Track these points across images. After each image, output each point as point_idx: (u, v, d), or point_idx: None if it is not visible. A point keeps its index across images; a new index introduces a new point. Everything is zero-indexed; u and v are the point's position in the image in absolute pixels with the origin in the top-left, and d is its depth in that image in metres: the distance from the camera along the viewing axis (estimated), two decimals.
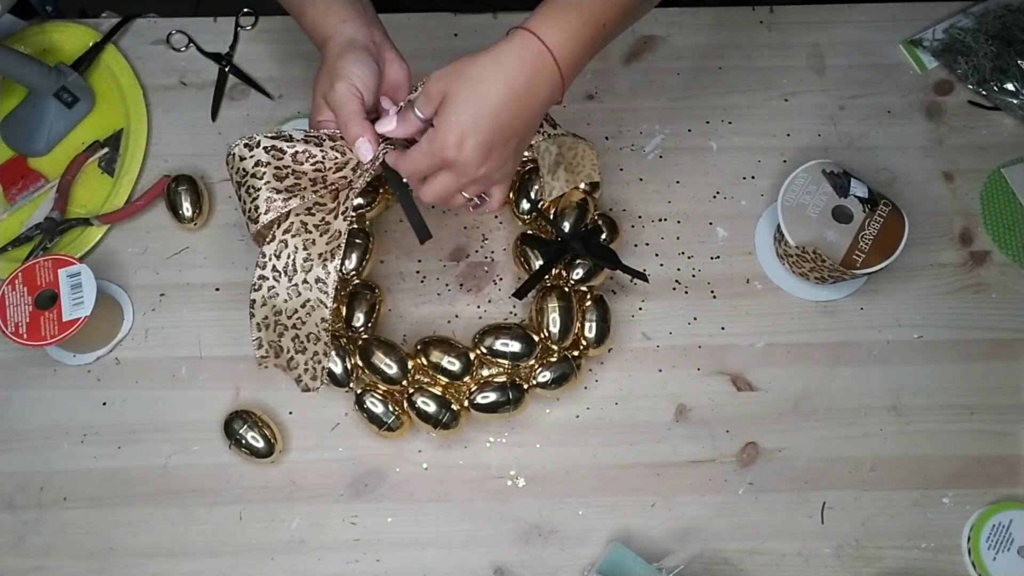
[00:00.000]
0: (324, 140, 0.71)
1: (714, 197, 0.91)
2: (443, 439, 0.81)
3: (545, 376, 0.79)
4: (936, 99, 0.96)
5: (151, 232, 0.88)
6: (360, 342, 0.79)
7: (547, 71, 0.64)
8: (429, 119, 0.66)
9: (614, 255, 0.82)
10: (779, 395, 0.84)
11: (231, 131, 0.92)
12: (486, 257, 0.88)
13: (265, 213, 0.68)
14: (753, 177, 0.92)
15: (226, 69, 0.95)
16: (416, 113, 0.66)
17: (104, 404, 0.83)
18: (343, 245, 0.70)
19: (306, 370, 0.74)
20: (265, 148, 0.70)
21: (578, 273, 0.81)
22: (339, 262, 0.70)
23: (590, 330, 0.80)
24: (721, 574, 0.79)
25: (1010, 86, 0.94)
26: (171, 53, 0.96)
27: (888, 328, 0.87)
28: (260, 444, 0.79)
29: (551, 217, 0.83)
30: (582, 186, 0.84)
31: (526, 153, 0.83)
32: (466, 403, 0.78)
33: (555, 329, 0.79)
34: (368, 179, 0.70)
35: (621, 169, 0.92)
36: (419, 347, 0.79)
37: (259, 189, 0.69)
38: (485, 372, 0.80)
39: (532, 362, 0.79)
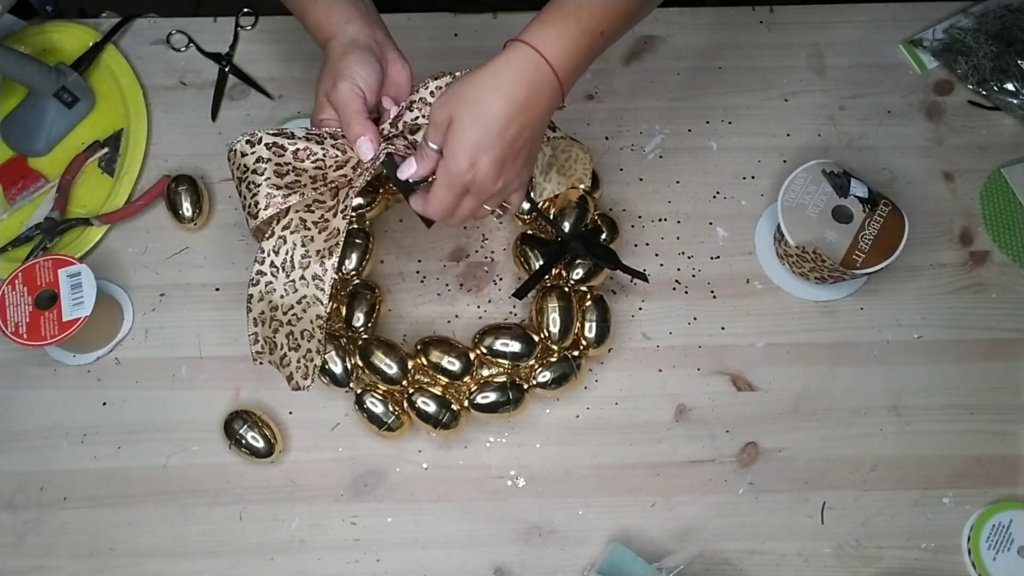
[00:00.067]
0: (325, 138, 0.71)
1: (714, 197, 0.91)
2: (443, 439, 0.81)
3: (545, 376, 0.79)
4: (936, 99, 0.96)
5: (151, 232, 0.88)
6: (360, 342, 0.79)
7: (546, 81, 0.64)
8: (441, 149, 0.66)
9: (614, 255, 0.82)
10: (779, 395, 0.84)
11: (231, 131, 0.92)
12: (486, 257, 0.88)
13: (265, 209, 0.68)
14: (753, 177, 0.92)
15: (226, 69, 0.95)
16: (430, 147, 0.66)
17: (104, 404, 0.83)
18: (341, 243, 0.70)
19: (298, 368, 0.74)
20: (267, 145, 0.70)
21: (578, 273, 0.81)
22: (337, 259, 0.70)
23: (590, 330, 0.80)
24: (721, 574, 0.79)
25: (1010, 86, 0.94)
26: (171, 53, 0.96)
27: (888, 328, 0.87)
28: (260, 444, 0.79)
29: (551, 217, 0.83)
30: (582, 186, 0.84)
31: None
32: (466, 403, 0.78)
33: (555, 329, 0.79)
34: (368, 178, 0.70)
35: (621, 169, 0.92)
36: (419, 347, 0.79)
37: (259, 185, 0.69)
38: (485, 372, 0.80)
39: (532, 362, 0.79)
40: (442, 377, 0.78)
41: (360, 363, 0.78)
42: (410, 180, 0.69)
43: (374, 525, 0.79)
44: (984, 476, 0.82)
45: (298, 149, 0.70)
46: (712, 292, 0.88)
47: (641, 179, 0.92)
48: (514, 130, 0.64)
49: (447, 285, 0.87)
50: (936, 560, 0.80)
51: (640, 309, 0.87)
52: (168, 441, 0.81)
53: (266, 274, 0.71)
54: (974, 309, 0.88)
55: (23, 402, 0.83)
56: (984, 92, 0.95)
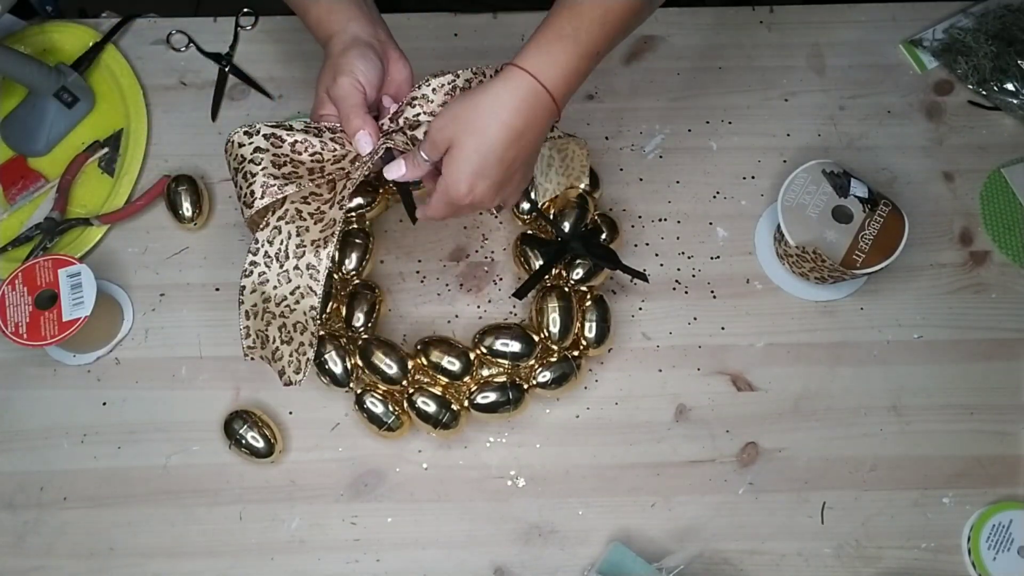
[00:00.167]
0: (324, 132, 0.71)
1: (714, 197, 0.91)
2: (443, 439, 0.81)
3: (545, 376, 0.79)
4: (936, 99, 0.96)
5: (151, 232, 0.88)
6: (360, 342, 0.79)
7: (544, 106, 0.66)
8: (434, 162, 0.69)
9: (614, 255, 0.82)
10: (779, 395, 0.84)
11: (231, 131, 0.92)
12: (486, 257, 0.88)
13: (261, 198, 0.68)
14: (753, 177, 0.92)
15: (226, 69, 0.95)
16: (422, 157, 0.68)
17: (104, 404, 0.83)
18: (337, 233, 0.70)
19: (290, 362, 0.74)
20: (264, 135, 0.70)
21: (578, 273, 0.81)
22: (332, 250, 0.70)
23: (590, 330, 0.80)
24: (721, 574, 0.79)
25: (1010, 86, 0.94)
26: (171, 53, 0.96)
27: (888, 328, 0.87)
28: (260, 444, 0.79)
29: (551, 217, 0.83)
30: (581, 186, 0.84)
31: None
32: (466, 403, 0.78)
33: (555, 329, 0.79)
34: (366, 172, 0.70)
35: (621, 169, 0.92)
36: (419, 347, 0.79)
37: (256, 175, 0.69)
38: (485, 372, 0.80)
39: (532, 362, 0.79)
40: (442, 377, 0.78)
41: (360, 363, 0.78)
42: (397, 181, 0.70)
43: (374, 525, 0.79)
44: (984, 476, 0.82)
45: (296, 141, 0.70)
46: (712, 292, 0.88)
47: (641, 179, 0.92)
48: (512, 155, 0.66)
49: (447, 285, 0.87)
50: (936, 560, 0.80)
51: (640, 309, 0.87)
52: (168, 441, 0.81)
53: (259, 264, 0.71)
54: (974, 309, 0.88)
55: (23, 402, 0.83)
56: (984, 92, 0.95)
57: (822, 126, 0.94)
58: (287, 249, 0.70)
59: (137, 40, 0.96)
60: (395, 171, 0.70)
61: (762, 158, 0.93)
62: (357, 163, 0.71)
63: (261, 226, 0.71)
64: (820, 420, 0.83)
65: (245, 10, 0.97)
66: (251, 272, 0.71)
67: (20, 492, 0.80)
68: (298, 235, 0.70)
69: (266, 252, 0.71)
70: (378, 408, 0.78)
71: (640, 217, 0.90)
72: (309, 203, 0.71)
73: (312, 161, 0.71)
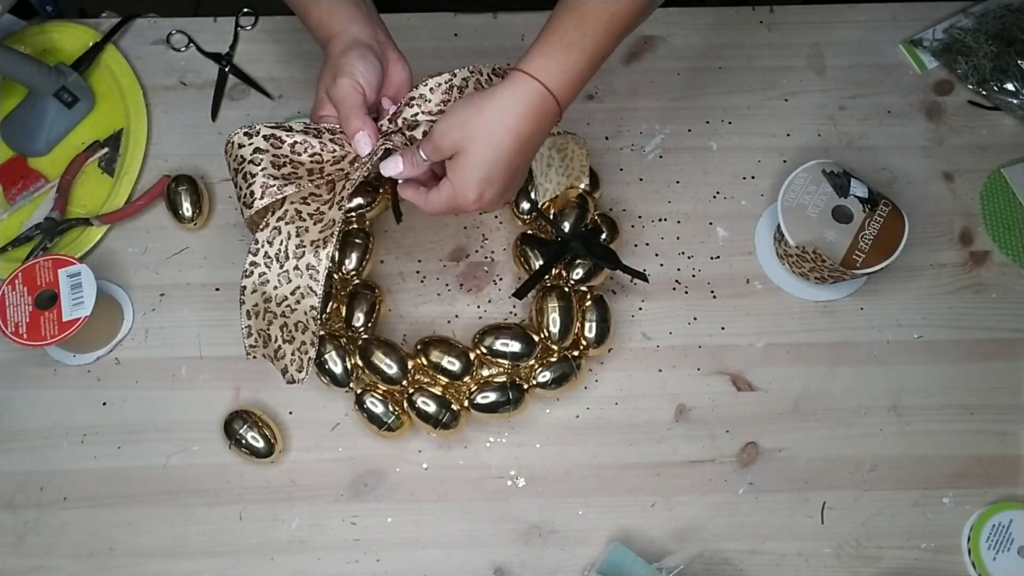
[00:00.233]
0: (323, 133, 0.71)
1: (714, 197, 0.91)
2: (443, 439, 0.81)
3: (545, 376, 0.79)
4: (936, 99, 0.96)
5: (151, 232, 0.88)
6: (360, 342, 0.79)
7: (550, 110, 0.67)
8: (432, 163, 0.69)
9: (614, 255, 0.82)
10: (779, 395, 0.84)
11: (231, 131, 0.91)
12: (486, 257, 0.88)
13: (260, 198, 0.68)
14: (753, 177, 0.92)
15: (226, 69, 0.95)
16: (422, 156, 0.69)
17: (104, 404, 0.83)
18: (336, 233, 0.70)
19: (292, 361, 0.74)
20: (264, 136, 0.70)
21: (578, 273, 0.81)
22: (331, 250, 0.70)
23: (590, 330, 0.80)
24: (721, 574, 0.79)
25: (1010, 86, 0.94)
26: (171, 53, 0.96)
27: (888, 328, 0.87)
28: (260, 444, 0.79)
29: (551, 217, 0.83)
30: (581, 186, 0.84)
31: None
32: (466, 403, 0.78)
33: (555, 329, 0.79)
34: (366, 173, 0.70)
35: (621, 169, 0.92)
36: (419, 347, 0.79)
37: (255, 175, 0.69)
38: (485, 372, 0.80)
39: (532, 362, 0.79)
40: (442, 377, 0.78)
41: (360, 363, 0.78)
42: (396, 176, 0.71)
43: (374, 525, 0.79)
44: (984, 476, 0.82)
45: (296, 142, 0.70)
46: (712, 292, 0.88)
47: (641, 179, 0.92)
48: (518, 160, 0.67)
49: (447, 285, 0.87)
50: (936, 560, 0.80)
51: (640, 309, 0.87)
52: (168, 441, 0.81)
53: (259, 265, 0.71)
54: (974, 309, 0.88)
55: (23, 402, 0.83)
56: (984, 92, 0.95)
57: (822, 126, 0.94)
58: (287, 249, 0.71)
59: (137, 40, 0.96)
60: (392, 168, 0.70)
61: (762, 158, 0.93)
62: (356, 164, 0.71)
63: (261, 227, 0.71)
64: (820, 420, 0.83)
65: (245, 10, 0.97)
66: (251, 272, 0.72)
67: (20, 492, 0.80)
68: (298, 235, 0.70)
69: (266, 253, 0.71)
70: (378, 408, 0.78)
71: (640, 217, 0.90)
72: (308, 204, 0.71)
73: (312, 162, 0.71)
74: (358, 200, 0.83)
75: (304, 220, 0.71)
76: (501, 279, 0.87)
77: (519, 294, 0.81)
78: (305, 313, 0.71)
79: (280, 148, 0.70)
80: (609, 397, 0.84)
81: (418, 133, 0.69)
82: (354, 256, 0.81)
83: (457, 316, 0.86)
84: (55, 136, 0.92)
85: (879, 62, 0.97)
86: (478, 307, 0.86)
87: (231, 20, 0.97)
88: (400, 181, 0.72)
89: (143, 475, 0.80)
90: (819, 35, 0.98)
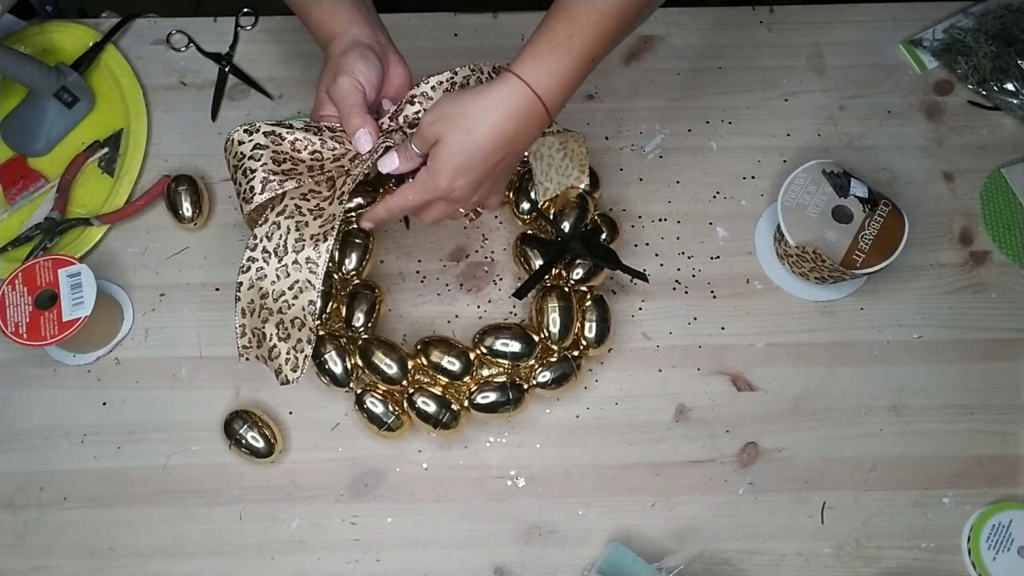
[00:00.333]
0: (324, 130, 0.71)
1: (714, 197, 0.91)
2: (443, 439, 0.81)
3: (545, 376, 0.79)
4: (936, 99, 0.96)
5: (151, 232, 0.88)
6: (360, 342, 0.79)
7: (536, 114, 0.66)
8: (424, 155, 0.69)
9: (614, 255, 0.82)
10: (779, 395, 0.84)
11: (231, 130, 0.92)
12: (486, 257, 0.88)
13: (260, 193, 0.68)
14: (753, 177, 0.92)
15: (226, 69, 0.95)
16: (415, 150, 0.69)
17: (104, 404, 0.83)
18: (336, 228, 0.70)
19: (287, 360, 0.73)
20: (264, 133, 0.70)
21: (578, 273, 0.81)
22: (331, 244, 0.70)
23: (590, 330, 0.80)
24: (721, 574, 0.79)
25: (1010, 86, 0.94)
26: (171, 53, 0.96)
27: (888, 328, 0.87)
28: (260, 444, 0.79)
29: (551, 217, 0.83)
30: (582, 185, 0.84)
31: None
32: (466, 403, 0.78)
33: (555, 329, 0.79)
34: (366, 170, 0.70)
35: (621, 169, 0.92)
36: (419, 347, 0.79)
37: (255, 171, 0.69)
38: (485, 372, 0.80)
39: (532, 362, 0.79)
40: (442, 377, 0.78)
41: (360, 363, 0.78)
42: (391, 174, 0.71)
43: (374, 525, 0.79)
44: (984, 476, 0.82)
45: (296, 139, 0.70)
46: (712, 292, 0.88)
47: (641, 179, 0.92)
48: (497, 158, 0.67)
49: (447, 285, 0.87)
50: (936, 560, 0.80)
51: (640, 309, 0.87)
52: (168, 441, 0.81)
53: (257, 260, 0.71)
54: (974, 309, 0.88)
55: (23, 402, 0.83)
56: (984, 92, 0.95)
57: (822, 126, 0.94)
58: (286, 243, 0.70)
59: (137, 40, 0.96)
60: (388, 163, 0.70)
61: (762, 158, 0.93)
62: (357, 161, 0.71)
63: (260, 222, 0.71)
64: (820, 420, 0.83)
65: (245, 10, 0.97)
66: (248, 268, 0.71)
67: (20, 492, 0.80)
68: (297, 230, 0.70)
69: (264, 248, 0.71)
70: (378, 408, 0.78)
71: (640, 217, 0.90)
72: (308, 199, 0.71)
73: (312, 159, 0.71)
74: (358, 200, 0.83)
75: (304, 215, 0.71)
76: (501, 279, 0.87)
77: (519, 294, 0.81)
78: (303, 308, 0.71)
79: (280, 145, 0.70)
80: (609, 397, 0.84)
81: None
82: (354, 256, 0.81)
83: (457, 316, 0.86)
84: (55, 136, 0.92)
85: (879, 62, 0.97)
86: (478, 307, 0.86)
87: (231, 20, 0.97)
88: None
89: (143, 475, 0.80)
90: (819, 35, 0.98)
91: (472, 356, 0.79)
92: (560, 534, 0.79)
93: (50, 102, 0.90)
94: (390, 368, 0.78)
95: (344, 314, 0.80)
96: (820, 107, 0.95)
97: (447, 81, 0.70)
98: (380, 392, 0.78)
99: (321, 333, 0.79)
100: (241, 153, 0.70)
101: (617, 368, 0.85)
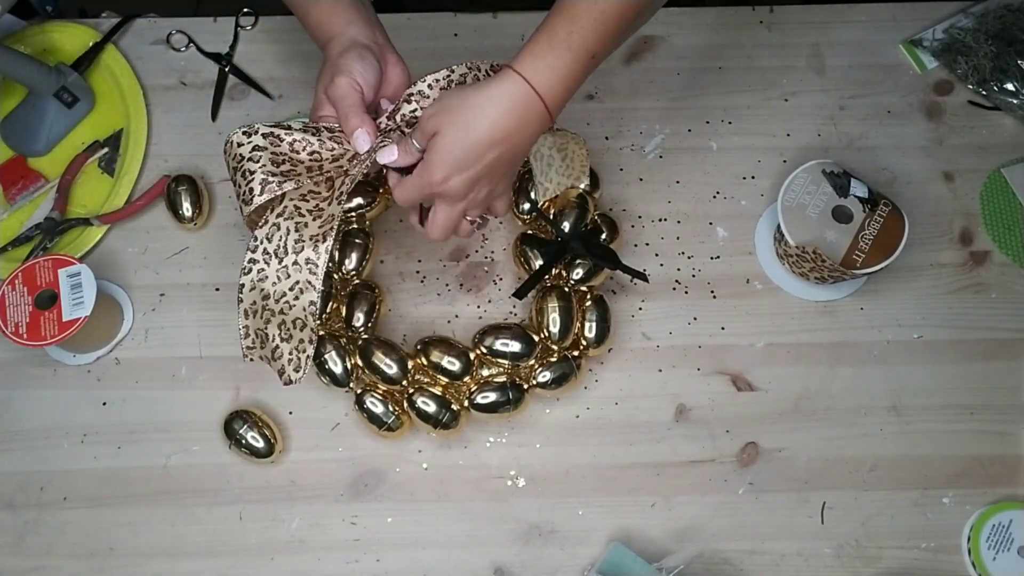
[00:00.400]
0: (322, 131, 0.71)
1: (714, 197, 0.91)
2: (443, 439, 0.81)
3: (545, 376, 0.79)
4: (936, 99, 0.96)
5: (151, 232, 0.88)
6: (360, 342, 0.79)
7: (535, 110, 0.66)
8: (423, 150, 0.69)
9: (614, 255, 0.82)
10: (779, 395, 0.84)
11: (231, 131, 0.92)
12: (486, 257, 0.88)
13: (260, 195, 0.68)
14: (753, 177, 0.92)
15: (226, 69, 0.95)
16: (414, 145, 0.69)
17: (104, 404, 0.83)
18: (336, 228, 0.70)
19: (290, 360, 0.73)
20: (263, 135, 0.70)
21: (578, 273, 0.81)
22: (331, 244, 0.70)
23: (590, 330, 0.80)
24: (721, 574, 0.79)
25: (1010, 86, 0.94)
26: (171, 53, 0.96)
27: (888, 328, 0.87)
28: (260, 444, 0.79)
29: (551, 217, 0.83)
30: (581, 186, 0.84)
31: None
32: (466, 403, 0.78)
33: (555, 329, 0.79)
34: (365, 170, 0.70)
35: (621, 169, 0.92)
36: (419, 347, 0.79)
37: (254, 172, 0.69)
38: (485, 372, 0.80)
39: (532, 362, 0.79)
40: (442, 377, 0.78)
41: (360, 363, 0.78)
42: (389, 166, 0.70)
43: (374, 525, 0.79)
44: (984, 476, 0.82)
45: (295, 140, 0.70)
46: (712, 292, 0.88)
47: (641, 179, 0.92)
48: (494, 155, 0.66)
49: (447, 285, 0.87)
50: (936, 560, 0.80)
51: (640, 309, 0.87)
52: (168, 441, 0.81)
53: (258, 262, 0.71)
54: (974, 309, 0.88)
55: (23, 402, 0.83)
56: (984, 92, 0.95)
57: (822, 126, 0.94)
58: (286, 245, 0.71)
59: (137, 40, 0.96)
60: (387, 156, 0.70)
61: (762, 158, 0.93)
62: (355, 161, 0.71)
63: (260, 224, 0.71)
64: (820, 420, 0.83)
65: (245, 10, 0.97)
66: (250, 269, 0.71)
67: (20, 492, 0.80)
68: (297, 231, 0.71)
69: (265, 249, 0.71)
70: (378, 408, 0.78)
71: (640, 217, 0.90)
72: (307, 200, 0.71)
73: (311, 160, 0.71)
74: (358, 200, 0.83)
75: (303, 216, 0.71)
76: (501, 279, 0.87)
77: (519, 294, 0.81)
78: (304, 309, 0.71)
79: (279, 146, 0.70)
80: (609, 397, 0.84)
81: None
82: (354, 256, 0.81)
83: (457, 316, 0.86)
84: (55, 136, 0.92)
85: (879, 62, 0.97)
86: (478, 307, 0.86)
87: (231, 20, 0.97)
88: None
89: (143, 475, 0.80)
90: (819, 35, 0.98)
91: (472, 356, 0.79)
92: (560, 534, 0.79)
93: (50, 102, 0.90)
94: (390, 368, 0.78)
95: (344, 314, 0.80)
96: (820, 107, 0.95)
97: (444, 79, 0.70)
98: (380, 392, 0.78)
99: (321, 333, 0.79)
100: (240, 155, 0.70)
101: (617, 368, 0.85)
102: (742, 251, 0.89)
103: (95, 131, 0.92)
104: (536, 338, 0.79)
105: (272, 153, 0.70)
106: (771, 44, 0.98)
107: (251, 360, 0.75)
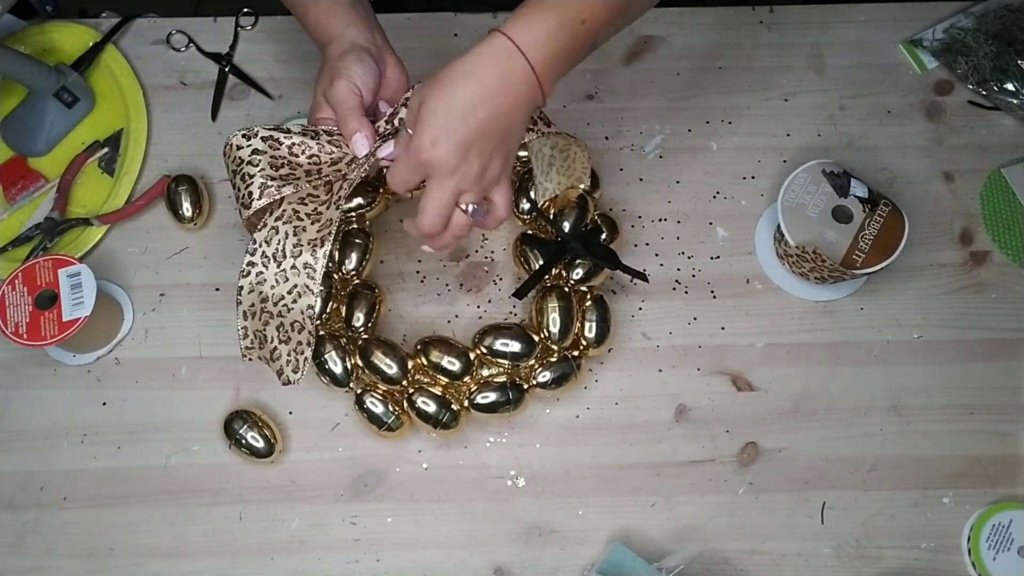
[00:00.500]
0: (321, 135, 0.71)
1: (714, 197, 0.91)
2: (443, 439, 0.81)
3: (545, 376, 0.79)
4: (936, 99, 0.96)
5: (151, 232, 0.88)
6: (360, 342, 0.79)
7: (520, 69, 0.64)
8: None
9: (614, 255, 0.82)
10: (779, 395, 0.84)
11: (231, 131, 0.91)
12: (486, 257, 0.88)
13: (258, 199, 0.68)
14: (753, 177, 0.92)
15: (226, 69, 0.95)
16: (408, 132, 0.67)
17: (104, 404, 0.83)
18: (334, 232, 0.70)
19: (288, 362, 0.73)
20: (262, 138, 0.70)
21: (578, 273, 0.81)
22: (328, 248, 0.70)
23: (590, 330, 0.80)
24: (721, 574, 0.79)
25: (1010, 86, 0.94)
26: (171, 53, 0.96)
27: (888, 328, 0.87)
28: (260, 444, 0.79)
29: (551, 217, 0.83)
30: (582, 186, 0.84)
31: (522, 153, 0.83)
32: (466, 403, 0.78)
33: (555, 329, 0.79)
34: (364, 174, 0.70)
35: (621, 169, 0.92)
36: (419, 347, 0.79)
37: (253, 176, 0.69)
38: (485, 372, 0.80)
39: (532, 362, 0.79)
40: (442, 377, 0.78)
41: (360, 363, 0.78)
42: (387, 159, 0.69)
43: (374, 525, 0.79)
44: (984, 476, 0.82)
45: (293, 144, 0.70)
46: (712, 292, 0.88)
47: (641, 179, 0.92)
48: (481, 115, 0.64)
49: (447, 285, 0.87)
50: (936, 560, 0.80)
51: (640, 309, 0.87)
52: (168, 441, 0.81)
53: (257, 264, 0.71)
54: (974, 309, 0.88)
55: (23, 402, 0.83)
56: (984, 92, 0.95)
57: (822, 126, 0.94)
58: (284, 249, 0.71)
59: (137, 40, 0.96)
60: (384, 150, 0.69)
61: (762, 158, 0.93)
62: (354, 165, 0.71)
63: (259, 227, 0.71)
64: (820, 420, 0.83)
65: (245, 10, 0.97)
66: (249, 272, 0.72)
67: (20, 492, 0.80)
68: (295, 235, 0.71)
69: (263, 252, 0.71)
70: (378, 408, 0.78)
71: (640, 217, 0.90)
72: (306, 204, 0.71)
73: (310, 163, 0.71)
74: (358, 200, 0.83)
75: (302, 220, 0.71)
76: (501, 279, 0.87)
77: (519, 294, 0.81)
78: (302, 312, 0.71)
79: (278, 150, 0.70)
80: (609, 397, 0.84)
81: None
82: (354, 256, 0.81)
83: (457, 316, 0.86)
84: (55, 136, 0.92)
85: (879, 62, 0.97)
86: (478, 307, 0.86)
87: (231, 20, 0.97)
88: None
89: (143, 475, 0.80)
90: (819, 35, 0.98)
91: (472, 356, 0.79)
92: (560, 534, 0.79)
93: (50, 102, 0.90)
94: (390, 368, 0.78)
95: (344, 314, 0.80)
96: (820, 107, 0.95)
97: None
98: (380, 392, 0.78)
99: (321, 333, 0.79)
100: (239, 158, 0.70)
101: (617, 368, 0.85)
102: (742, 251, 0.89)
103: (95, 131, 0.92)
104: (536, 338, 0.79)
105: (271, 157, 0.70)
106: (771, 44, 0.98)
107: (250, 360, 0.75)
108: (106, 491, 0.80)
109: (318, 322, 0.79)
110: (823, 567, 0.79)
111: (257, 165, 0.69)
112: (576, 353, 0.80)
